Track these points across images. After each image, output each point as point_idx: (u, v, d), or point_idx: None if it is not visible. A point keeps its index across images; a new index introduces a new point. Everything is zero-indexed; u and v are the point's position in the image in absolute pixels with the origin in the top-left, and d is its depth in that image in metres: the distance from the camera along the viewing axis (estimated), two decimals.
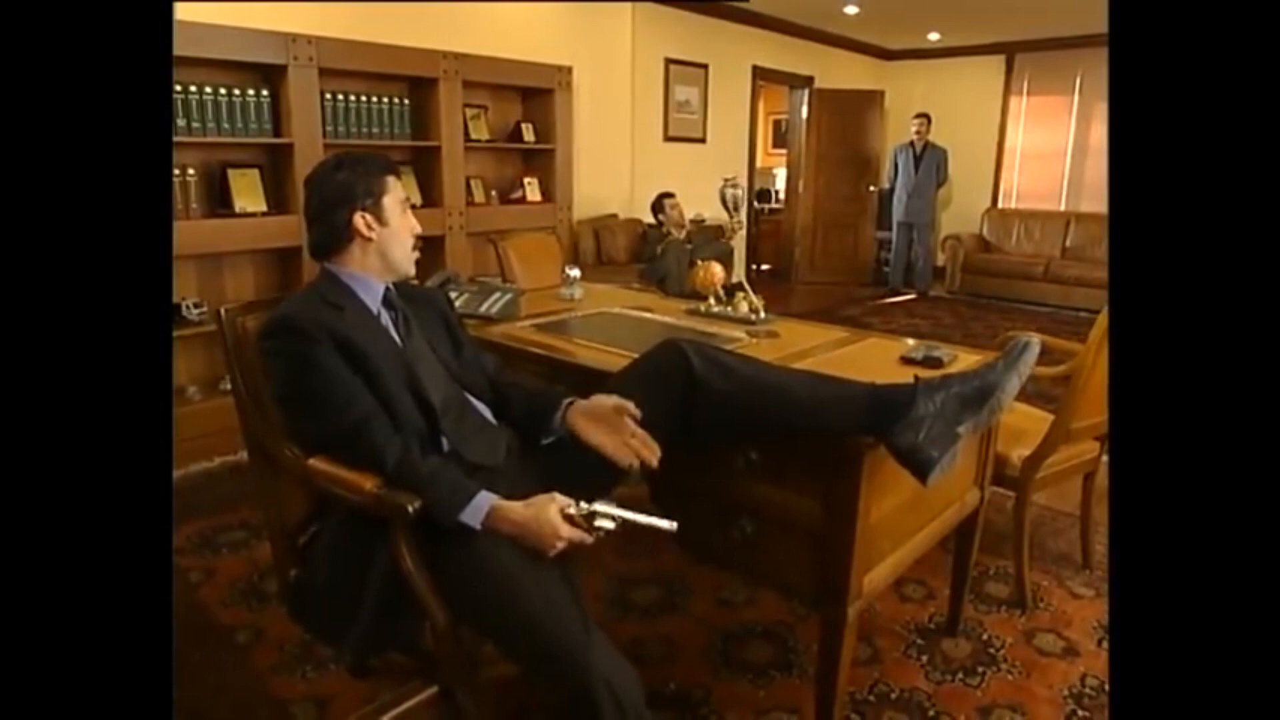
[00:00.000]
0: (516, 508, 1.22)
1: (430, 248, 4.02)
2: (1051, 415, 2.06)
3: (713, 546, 1.55)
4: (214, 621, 2.00)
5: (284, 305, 1.36)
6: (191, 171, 3.13)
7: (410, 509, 1.23)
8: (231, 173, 3.25)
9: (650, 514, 1.23)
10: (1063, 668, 1.88)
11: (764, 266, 8.06)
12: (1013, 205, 7.59)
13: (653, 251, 4.61)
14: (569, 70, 4.43)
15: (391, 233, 1.42)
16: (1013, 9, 6.15)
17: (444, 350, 1.51)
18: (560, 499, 1.23)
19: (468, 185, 4.15)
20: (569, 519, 1.22)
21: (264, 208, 3.32)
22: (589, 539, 1.22)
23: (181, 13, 2.91)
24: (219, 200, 3.26)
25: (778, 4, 6.13)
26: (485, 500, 1.23)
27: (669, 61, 5.85)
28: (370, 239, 1.41)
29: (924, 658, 1.91)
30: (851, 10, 6.19)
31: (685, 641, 1.96)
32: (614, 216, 5.24)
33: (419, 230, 1.48)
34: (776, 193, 8.88)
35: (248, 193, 3.29)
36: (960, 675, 1.85)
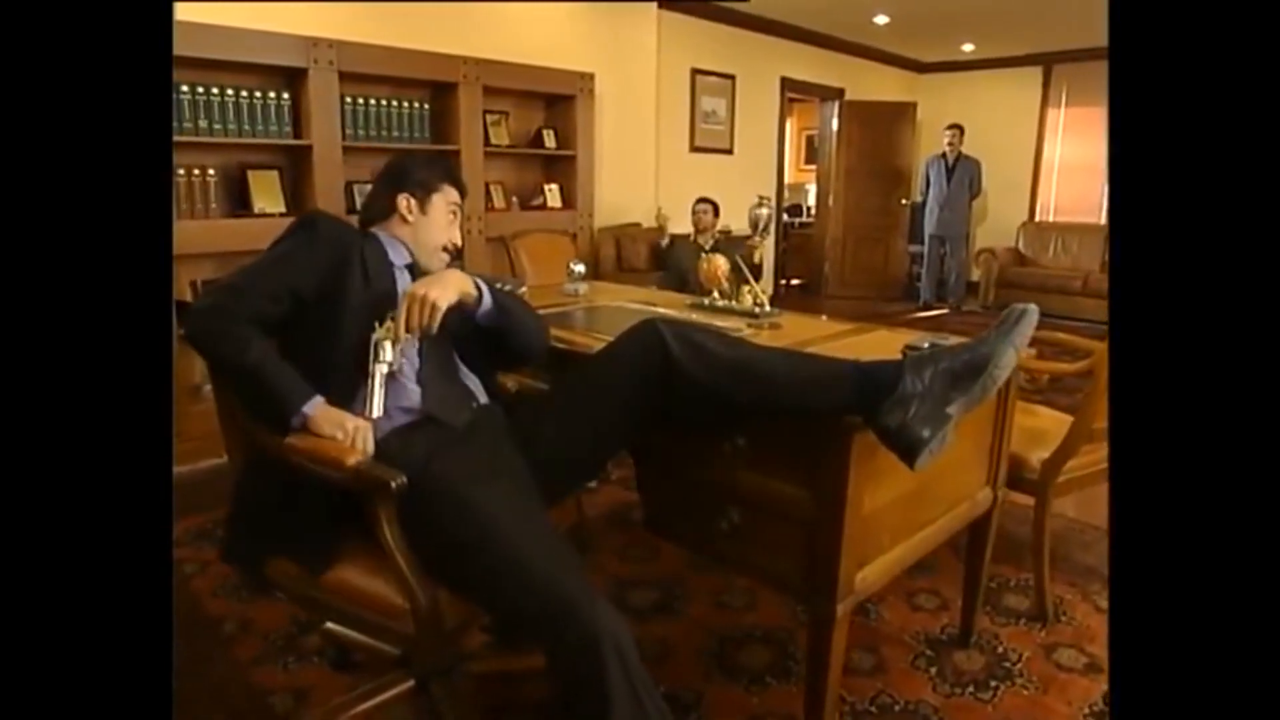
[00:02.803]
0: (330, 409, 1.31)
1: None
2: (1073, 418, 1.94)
3: (700, 537, 1.47)
4: (202, 612, 1.97)
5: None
6: (212, 172, 3.17)
7: (393, 484, 1.20)
8: (251, 174, 3.29)
9: None
10: (1084, 684, 1.75)
11: (794, 281, 7.96)
12: (1050, 218, 7.39)
13: (665, 256, 4.54)
14: (591, 77, 4.43)
15: (428, 223, 1.53)
16: (1050, 20, 6.02)
17: (456, 320, 1.53)
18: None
19: (487, 190, 4.16)
20: None
21: (282, 209, 3.35)
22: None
23: (203, 15, 2.98)
24: (238, 201, 3.31)
25: (806, 15, 6.09)
26: (314, 402, 1.30)
27: (695, 72, 5.83)
28: (407, 221, 1.53)
29: (933, 669, 1.80)
30: (882, 21, 6.12)
31: (680, 644, 1.87)
32: (637, 225, 5.21)
33: (458, 242, 1.58)
34: (809, 208, 8.79)
35: (267, 194, 3.33)
36: (971, 689, 1.73)
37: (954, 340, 1.65)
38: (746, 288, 2.12)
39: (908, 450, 1.14)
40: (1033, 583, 2.07)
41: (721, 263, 2.16)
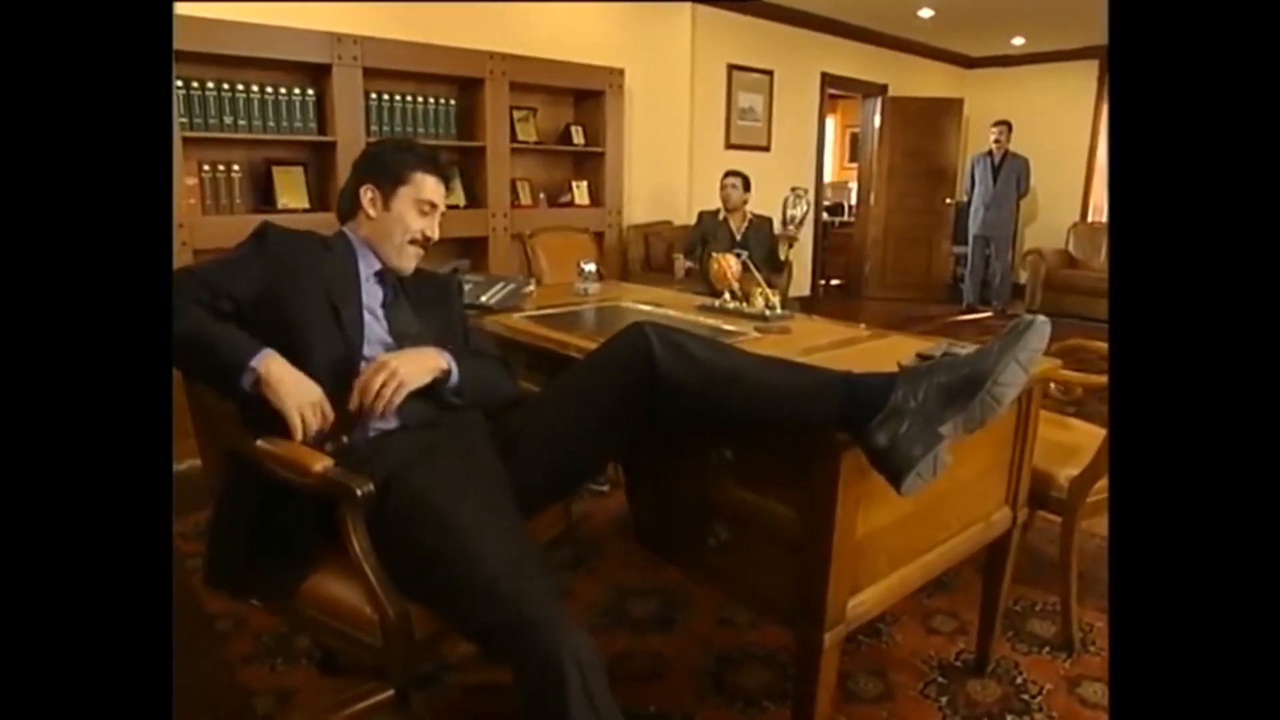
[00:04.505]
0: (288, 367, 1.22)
1: (473, 249, 4.01)
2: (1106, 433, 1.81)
3: (689, 552, 1.40)
4: (200, 608, 1.96)
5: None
6: (237, 168, 3.20)
7: (360, 492, 1.16)
8: (276, 170, 3.32)
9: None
10: None
11: (833, 281, 7.79)
12: (1103, 219, 7.07)
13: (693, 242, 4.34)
14: (620, 72, 4.37)
15: (391, 219, 1.43)
16: (1106, 11, 5.74)
17: (435, 324, 1.50)
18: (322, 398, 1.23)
19: (514, 187, 4.13)
20: None
21: (306, 205, 3.36)
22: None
23: (228, 13, 3.00)
24: (263, 197, 3.33)
25: (847, 9, 5.93)
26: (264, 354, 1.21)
27: (731, 67, 5.72)
28: (370, 217, 1.44)
29: (944, 698, 1.69)
30: (926, 14, 5.91)
31: (675, 661, 1.80)
32: (667, 223, 5.12)
33: (430, 234, 1.47)
34: (851, 207, 8.59)
35: (291, 190, 3.35)
36: None
37: (969, 348, 1.55)
38: (758, 289, 2.03)
39: (895, 473, 1.05)
40: (1059, 607, 1.94)
41: (732, 263, 2.08)
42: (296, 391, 1.21)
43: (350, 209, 1.46)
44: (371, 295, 1.42)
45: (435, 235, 1.48)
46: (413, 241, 1.45)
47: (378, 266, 1.44)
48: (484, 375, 1.46)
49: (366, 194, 1.43)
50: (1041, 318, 1.09)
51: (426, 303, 1.52)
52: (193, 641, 1.82)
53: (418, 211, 1.44)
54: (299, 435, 1.20)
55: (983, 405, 1.06)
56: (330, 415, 1.23)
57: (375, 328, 1.39)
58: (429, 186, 1.45)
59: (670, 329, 1.29)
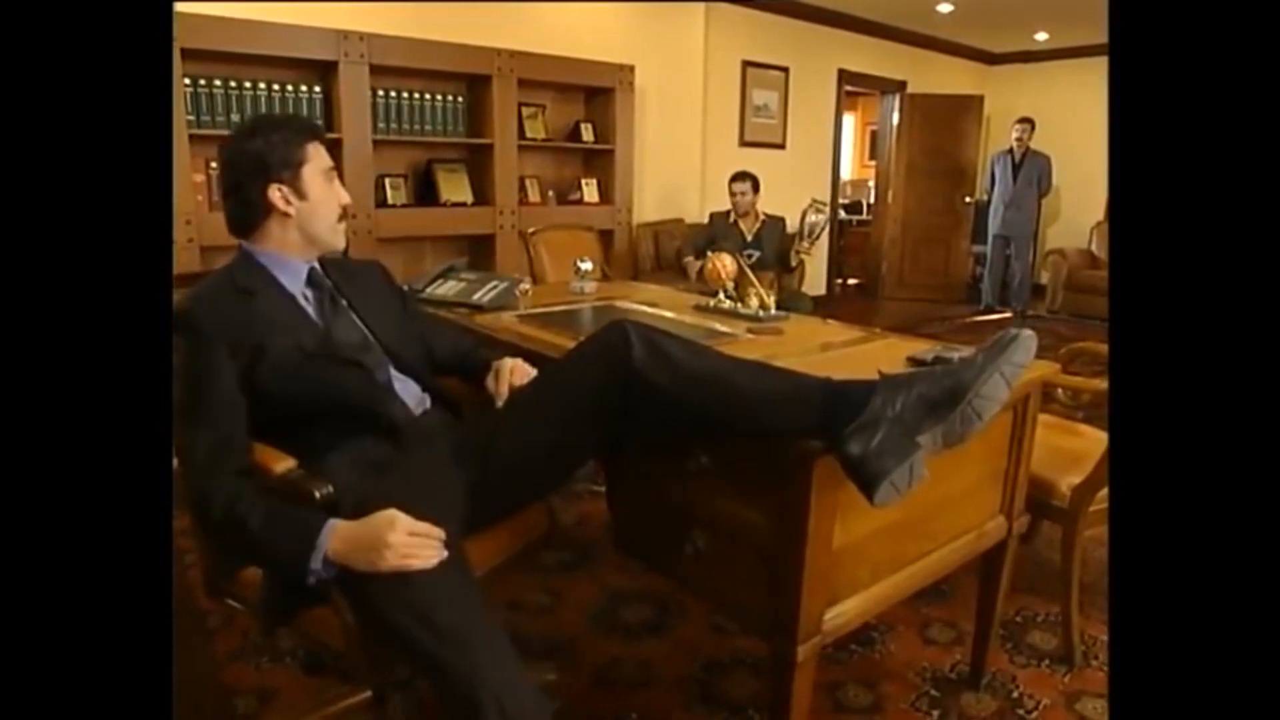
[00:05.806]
0: (352, 525, 1.10)
1: (481, 247, 4.01)
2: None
3: (667, 560, 1.36)
4: (192, 603, 1.97)
5: (190, 292, 1.27)
6: None
7: (319, 494, 1.15)
8: None
9: None
10: None
11: (850, 280, 7.70)
12: None
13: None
14: (631, 69, 4.34)
15: (312, 206, 1.30)
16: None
17: (382, 322, 1.43)
18: (401, 518, 1.08)
19: (522, 184, 4.12)
20: None
21: None
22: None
23: (237, 11, 3.01)
24: None
25: (864, 4, 5.84)
26: (327, 530, 1.09)
27: (746, 64, 5.66)
28: (289, 214, 1.29)
29: (935, 712, 1.64)
30: (945, 9, 5.81)
31: (663, 667, 1.77)
32: (679, 221, 5.08)
33: (347, 201, 1.36)
34: (869, 205, 8.49)
35: None
36: None
37: (962, 351, 1.49)
38: (753, 289, 2.00)
39: (868, 483, 1.01)
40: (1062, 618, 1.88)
41: (728, 262, 2.04)
42: (375, 542, 1.06)
43: (257, 218, 1.29)
44: (311, 304, 1.34)
45: (348, 199, 1.36)
46: (340, 217, 1.35)
47: (304, 272, 1.34)
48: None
49: (277, 193, 1.27)
50: (1027, 331, 1.05)
51: (363, 294, 1.43)
52: (184, 638, 1.82)
53: (330, 182, 1.32)
54: (434, 561, 1.08)
55: (963, 418, 1.02)
56: (432, 530, 1.09)
57: (346, 337, 1.34)
58: (322, 152, 1.33)
59: (651, 328, 1.26)
